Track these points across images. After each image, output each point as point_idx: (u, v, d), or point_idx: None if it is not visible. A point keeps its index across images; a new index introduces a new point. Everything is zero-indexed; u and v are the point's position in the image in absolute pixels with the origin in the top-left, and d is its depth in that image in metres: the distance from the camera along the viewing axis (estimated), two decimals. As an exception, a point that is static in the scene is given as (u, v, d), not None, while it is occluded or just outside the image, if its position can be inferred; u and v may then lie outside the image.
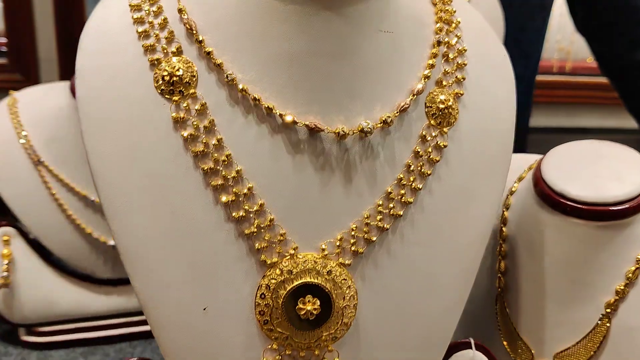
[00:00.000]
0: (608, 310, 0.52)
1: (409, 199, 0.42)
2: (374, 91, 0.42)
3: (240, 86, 0.39)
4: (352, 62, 0.41)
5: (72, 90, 0.76)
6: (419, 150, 0.43)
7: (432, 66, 0.44)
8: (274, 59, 0.40)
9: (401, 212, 0.42)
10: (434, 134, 0.43)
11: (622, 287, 0.52)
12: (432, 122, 0.43)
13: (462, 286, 0.46)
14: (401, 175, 0.42)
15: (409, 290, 0.43)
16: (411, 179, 0.42)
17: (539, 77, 1.62)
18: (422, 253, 0.43)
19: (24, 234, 0.79)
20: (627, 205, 0.51)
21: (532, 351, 0.56)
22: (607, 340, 0.52)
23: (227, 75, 0.39)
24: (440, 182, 0.44)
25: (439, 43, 0.45)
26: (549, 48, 1.67)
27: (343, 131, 0.40)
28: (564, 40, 1.64)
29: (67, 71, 1.22)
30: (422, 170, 0.43)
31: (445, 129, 0.44)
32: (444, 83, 0.44)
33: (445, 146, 0.43)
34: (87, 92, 0.41)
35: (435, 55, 0.45)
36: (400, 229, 0.43)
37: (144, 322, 0.76)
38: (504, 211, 0.59)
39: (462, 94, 0.45)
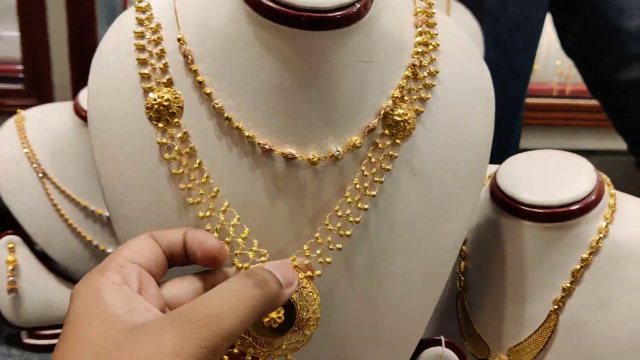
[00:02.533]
0: (555, 306, 0.55)
1: (364, 206, 0.44)
2: (348, 117, 0.45)
3: (226, 115, 0.43)
4: (330, 92, 0.44)
5: (76, 109, 0.82)
6: (370, 156, 0.45)
7: (401, 87, 0.46)
8: (259, 88, 0.43)
9: (358, 219, 0.44)
10: (387, 143, 0.45)
11: (568, 285, 0.55)
12: (387, 131, 0.45)
13: (432, 291, 0.49)
14: (355, 181, 0.44)
15: (377, 294, 0.47)
16: (365, 185, 0.44)
17: (540, 100, 1.67)
18: (389, 262, 0.46)
19: (28, 242, 0.84)
20: (573, 208, 0.55)
21: (489, 346, 0.59)
22: (555, 335, 0.56)
23: (214, 105, 0.43)
24: (396, 193, 0.46)
25: (413, 66, 0.47)
26: (548, 72, 1.72)
27: (315, 158, 0.43)
28: (563, 65, 1.68)
29: (79, 96, 1.29)
30: (375, 177, 0.45)
31: (398, 141, 0.45)
32: (405, 98, 0.46)
33: (396, 156, 0.45)
34: (96, 113, 0.45)
35: (408, 77, 0.46)
36: (364, 238, 0.45)
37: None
38: (464, 216, 0.63)
39: (421, 112, 0.47)
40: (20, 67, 1.30)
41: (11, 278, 0.82)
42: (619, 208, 0.57)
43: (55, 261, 0.86)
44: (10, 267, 0.82)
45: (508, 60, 1.06)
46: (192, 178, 0.43)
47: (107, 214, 0.83)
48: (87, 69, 0.46)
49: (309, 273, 0.43)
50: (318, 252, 0.44)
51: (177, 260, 0.40)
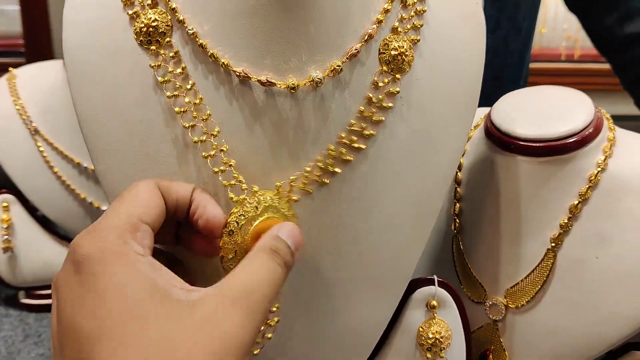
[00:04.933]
0: (553, 244, 0.54)
1: (360, 145, 0.43)
2: (330, 41, 0.42)
3: (200, 42, 0.41)
4: (310, 14, 0.41)
5: (66, 65, 0.81)
6: (371, 96, 0.43)
7: (387, 11, 0.44)
8: (235, 11, 0.41)
9: (352, 158, 0.43)
10: (386, 80, 0.44)
11: (565, 222, 0.53)
12: (385, 68, 0.44)
13: (421, 227, 0.48)
14: (353, 121, 0.43)
15: (364, 228, 0.45)
16: (363, 125, 0.43)
17: (548, 65, 1.64)
18: (377, 195, 0.45)
19: (22, 200, 0.83)
20: (569, 141, 0.53)
21: (485, 289, 0.57)
22: (553, 274, 0.54)
23: (187, 31, 0.41)
24: (397, 129, 0.45)
25: None
26: (556, 36, 1.68)
27: (294, 84, 0.41)
28: (571, 29, 1.65)
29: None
30: (374, 117, 0.44)
31: (398, 76, 0.44)
32: (399, 29, 0.44)
33: (397, 92, 0.44)
34: (72, 42, 0.44)
35: (392, 0, 0.44)
36: (355, 173, 0.44)
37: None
38: (459, 157, 0.61)
39: (418, 41, 0.45)
40: (21, 41, 1.30)
41: (6, 237, 0.81)
42: (618, 142, 0.55)
43: (51, 220, 0.85)
44: (5, 226, 0.81)
45: (509, 15, 1.04)
46: (187, 101, 0.42)
47: (101, 170, 0.82)
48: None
49: (292, 197, 0.43)
50: (302, 183, 0.43)
51: (178, 217, 0.40)
